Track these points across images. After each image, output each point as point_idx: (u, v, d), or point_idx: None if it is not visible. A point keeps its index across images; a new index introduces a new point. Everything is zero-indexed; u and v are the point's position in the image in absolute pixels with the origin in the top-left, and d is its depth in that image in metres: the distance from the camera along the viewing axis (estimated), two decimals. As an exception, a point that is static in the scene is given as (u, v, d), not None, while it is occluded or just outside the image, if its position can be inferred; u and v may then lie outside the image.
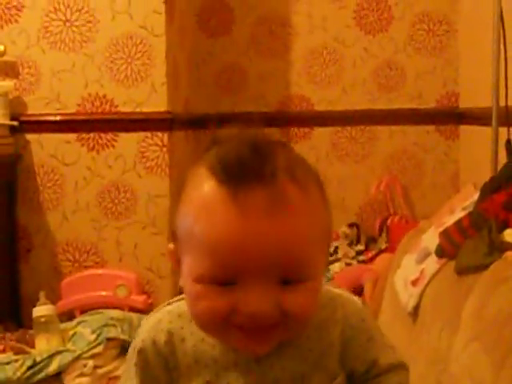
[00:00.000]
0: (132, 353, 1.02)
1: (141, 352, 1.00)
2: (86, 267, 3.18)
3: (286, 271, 0.86)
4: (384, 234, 3.49)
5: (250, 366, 0.96)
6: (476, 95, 3.36)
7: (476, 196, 2.12)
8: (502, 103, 2.58)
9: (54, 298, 2.94)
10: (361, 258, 3.40)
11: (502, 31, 2.55)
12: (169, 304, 1.04)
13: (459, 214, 2.07)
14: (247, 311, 0.86)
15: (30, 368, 2.56)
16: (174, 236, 0.94)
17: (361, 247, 3.50)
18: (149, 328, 1.02)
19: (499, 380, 1.36)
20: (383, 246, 3.42)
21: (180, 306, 1.01)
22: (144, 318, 1.07)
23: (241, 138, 0.90)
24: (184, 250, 0.91)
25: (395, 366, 1.02)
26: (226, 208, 0.84)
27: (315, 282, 0.90)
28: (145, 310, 3.05)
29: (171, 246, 0.96)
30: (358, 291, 2.92)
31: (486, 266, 1.68)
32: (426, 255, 2.06)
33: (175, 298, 1.04)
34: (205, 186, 0.87)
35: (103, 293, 3.10)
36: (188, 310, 0.94)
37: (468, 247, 1.84)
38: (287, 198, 0.85)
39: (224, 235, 0.84)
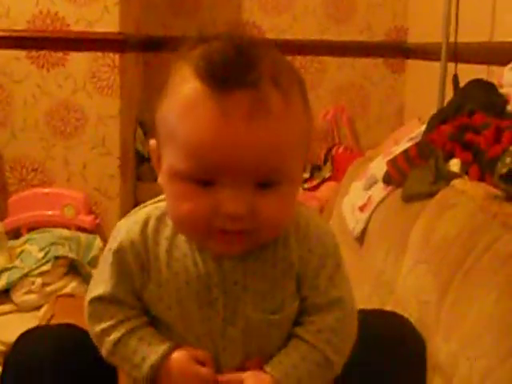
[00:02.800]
0: (107, 254, 1.03)
1: (118, 252, 1.01)
2: (34, 186, 3.17)
3: (262, 175, 0.89)
4: (329, 163, 3.56)
5: (219, 277, 0.98)
6: (424, 31, 3.41)
7: (421, 128, 2.18)
8: (450, 39, 2.64)
9: (0, 216, 2.94)
10: (305, 185, 3.47)
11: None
12: (145, 206, 1.05)
13: (406, 145, 2.12)
14: (226, 212, 0.88)
15: (-23, 283, 2.58)
16: (155, 131, 0.96)
17: (305, 175, 3.56)
18: (127, 229, 1.02)
19: (445, 300, 1.44)
20: (327, 175, 3.50)
21: (158, 208, 1.02)
22: (120, 220, 1.06)
23: (227, 38, 0.91)
24: (165, 147, 0.93)
25: (330, 304, 1.01)
26: (209, 110, 0.86)
27: (291, 186, 0.93)
28: (92, 230, 3.08)
29: (153, 142, 0.98)
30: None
31: (431, 194, 1.74)
32: (374, 182, 2.13)
33: (151, 201, 1.05)
34: (189, 86, 0.89)
35: (50, 212, 3.11)
36: (169, 210, 0.96)
37: (415, 176, 1.90)
38: (269, 104, 0.87)
39: (205, 136, 0.86)
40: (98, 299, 1.03)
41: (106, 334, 1.03)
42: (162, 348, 1.00)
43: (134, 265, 1.01)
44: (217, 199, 0.89)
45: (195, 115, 0.88)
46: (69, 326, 1.22)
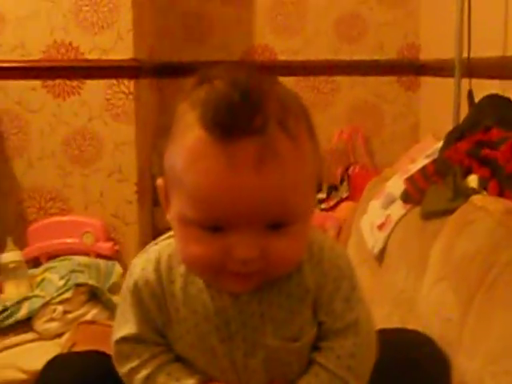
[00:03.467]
0: (126, 294, 1.03)
1: (135, 293, 1.02)
2: (52, 214, 3.18)
3: (273, 218, 0.88)
4: (345, 183, 3.55)
5: (235, 310, 0.98)
6: (436, 47, 3.41)
7: (437, 145, 2.18)
8: (464, 55, 2.64)
9: (19, 245, 2.94)
10: (322, 206, 3.46)
11: (465, -17, 2.60)
12: (156, 244, 1.05)
13: (423, 162, 2.12)
14: (238, 257, 0.87)
15: (-1, 313, 2.58)
16: (162, 171, 0.94)
17: (322, 195, 3.56)
18: (141, 267, 1.02)
19: (467, 317, 1.43)
20: (344, 195, 3.49)
21: (170, 244, 1.02)
22: (134, 259, 1.06)
23: (231, 79, 0.88)
24: (173, 192, 0.92)
25: (347, 328, 1.00)
26: (215, 160, 0.84)
27: (303, 225, 0.91)
28: (111, 257, 3.09)
29: (160, 181, 0.96)
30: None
31: (451, 211, 1.74)
32: (391, 201, 2.12)
33: (162, 237, 1.05)
34: (193, 134, 0.86)
35: (69, 240, 3.12)
36: (179, 252, 0.95)
37: (433, 193, 1.90)
38: (277, 151, 0.85)
39: (212, 186, 0.85)
40: (124, 339, 1.04)
41: (135, 373, 1.04)
42: (191, 382, 1.01)
43: (151, 304, 1.01)
44: (227, 244, 0.88)
45: (201, 165, 0.86)
46: (93, 352, 1.22)
